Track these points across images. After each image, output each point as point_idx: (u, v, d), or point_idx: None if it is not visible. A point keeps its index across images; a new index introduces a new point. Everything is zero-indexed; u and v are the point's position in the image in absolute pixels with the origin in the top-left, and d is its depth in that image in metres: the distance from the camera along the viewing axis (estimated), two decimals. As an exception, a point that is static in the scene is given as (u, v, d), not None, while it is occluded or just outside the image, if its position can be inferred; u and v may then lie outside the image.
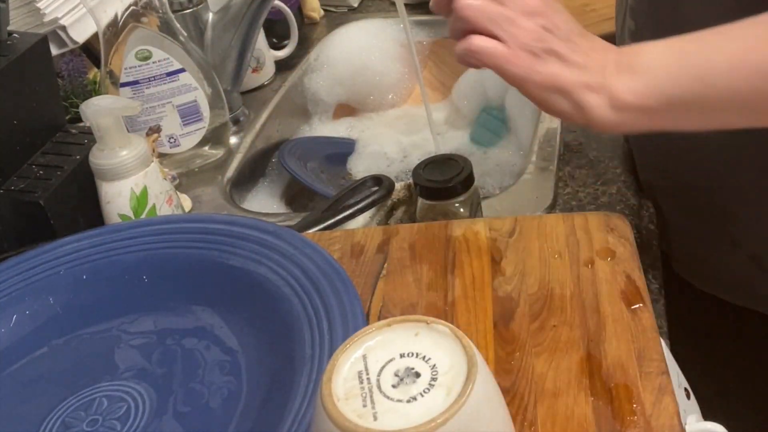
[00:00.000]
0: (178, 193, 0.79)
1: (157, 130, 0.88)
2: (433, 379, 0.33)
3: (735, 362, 0.88)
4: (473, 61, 0.55)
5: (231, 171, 0.95)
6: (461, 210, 0.69)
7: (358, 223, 0.70)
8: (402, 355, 0.34)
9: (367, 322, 0.48)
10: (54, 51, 0.97)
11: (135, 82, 0.87)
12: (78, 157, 0.72)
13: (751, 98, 0.52)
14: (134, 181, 0.69)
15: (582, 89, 0.54)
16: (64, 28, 0.99)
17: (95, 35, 0.98)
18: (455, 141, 1.04)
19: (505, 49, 0.54)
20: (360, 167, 1.05)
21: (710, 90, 0.53)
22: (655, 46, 0.54)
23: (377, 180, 0.73)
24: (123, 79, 0.87)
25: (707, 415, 0.52)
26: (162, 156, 0.91)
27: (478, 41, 0.54)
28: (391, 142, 1.08)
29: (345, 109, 1.17)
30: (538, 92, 0.55)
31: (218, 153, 0.96)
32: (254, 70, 1.11)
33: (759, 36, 0.52)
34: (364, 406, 0.32)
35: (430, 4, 0.58)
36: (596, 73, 0.54)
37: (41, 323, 0.56)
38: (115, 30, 0.86)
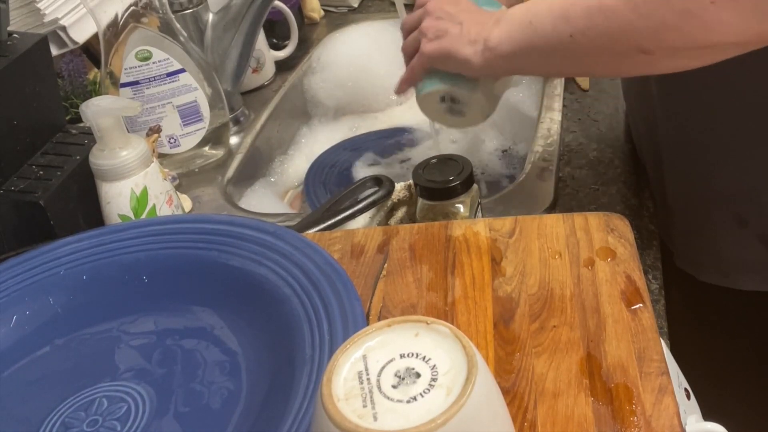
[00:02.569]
0: (178, 193, 0.79)
1: (157, 130, 0.88)
2: (433, 379, 0.33)
3: (735, 362, 0.88)
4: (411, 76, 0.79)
5: (231, 171, 0.95)
6: (461, 210, 0.69)
7: (358, 223, 0.70)
8: (402, 356, 0.34)
9: (367, 322, 0.48)
10: (54, 51, 0.97)
11: (135, 83, 0.87)
12: (78, 157, 0.72)
13: (560, 40, 0.65)
14: (134, 182, 0.69)
15: (460, 46, 0.73)
16: (64, 29, 0.99)
17: (95, 35, 0.98)
18: (454, 141, 1.04)
19: (416, 58, 0.77)
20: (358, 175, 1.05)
21: (536, 35, 0.67)
22: (520, 5, 0.71)
23: (377, 180, 0.73)
24: (123, 79, 0.87)
25: (707, 415, 0.52)
26: (162, 156, 0.91)
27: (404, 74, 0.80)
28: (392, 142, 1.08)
29: (345, 111, 1.16)
30: (438, 64, 0.75)
31: (218, 153, 0.96)
32: (254, 71, 1.11)
33: None
34: (364, 406, 0.32)
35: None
36: (475, 30, 0.72)
37: (41, 323, 0.56)
38: (115, 30, 0.86)
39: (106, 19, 0.85)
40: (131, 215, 0.69)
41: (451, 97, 0.79)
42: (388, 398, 0.32)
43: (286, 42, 1.16)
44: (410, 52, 0.80)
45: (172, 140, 0.91)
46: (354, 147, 1.07)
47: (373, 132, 1.10)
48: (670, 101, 0.77)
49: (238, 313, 0.53)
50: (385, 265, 0.56)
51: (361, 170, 1.02)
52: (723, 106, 0.73)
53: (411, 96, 1.15)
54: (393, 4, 1.25)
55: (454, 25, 0.74)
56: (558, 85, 0.99)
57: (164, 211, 0.71)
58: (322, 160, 1.05)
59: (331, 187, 1.00)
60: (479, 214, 0.71)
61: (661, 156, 0.81)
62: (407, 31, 0.81)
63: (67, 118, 0.88)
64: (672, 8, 0.57)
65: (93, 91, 1.02)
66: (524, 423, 0.43)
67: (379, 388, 0.33)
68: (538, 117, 0.94)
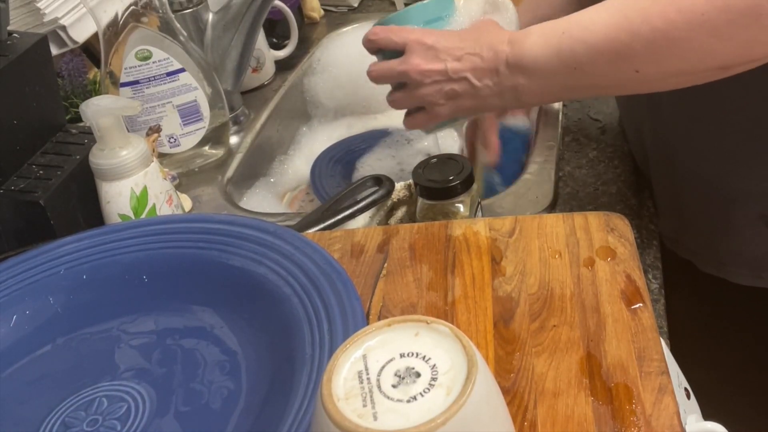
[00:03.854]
0: (178, 193, 0.79)
1: (157, 130, 0.88)
2: (433, 379, 0.33)
3: (736, 362, 0.88)
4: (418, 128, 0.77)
5: (231, 171, 0.95)
6: (461, 210, 0.69)
7: (358, 223, 0.70)
8: (402, 355, 0.34)
9: (367, 322, 0.48)
10: (54, 51, 0.97)
11: (135, 82, 0.87)
12: (78, 157, 0.72)
13: (623, 78, 0.63)
14: (134, 181, 0.69)
15: (486, 103, 0.70)
16: (64, 28, 0.99)
17: (95, 35, 0.98)
18: (457, 141, 1.04)
19: (425, 115, 0.73)
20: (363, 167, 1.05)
21: (587, 78, 0.64)
22: (534, 42, 0.66)
23: (377, 180, 0.73)
24: (123, 79, 0.87)
25: (707, 415, 0.52)
26: (162, 156, 0.91)
27: (407, 121, 0.76)
28: (392, 142, 1.08)
29: (345, 111, 1.16)
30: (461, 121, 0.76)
31: (218, 153, 0.96)
32: (254, 70, 1.11)
33: (609, 21, 0.62)
34: (364, 406, 0.32)
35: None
36: (491, 80, 0.68)
37: (41, 323, 0.56)
38: (115, 30, 0.86)
39: (106, 18, 0.85)
40: (131, 215, 0.69)
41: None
42: (388, 398, 0.32)
43: (286, 42, 1.16)
44: (404, 105, 0.75)
45: (172, 140, 0.91)
46: (358, 143, 1.07)
47: (376, 130, 1.10)
48: (683, 105, 0.76)
49: (238, 313, 0.53)
50: (385, 264, 0.56)
51: (366, 165, 1.03)
52: (740, 104, 0.71)
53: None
54: (393, 3, 1.25)
55: (460, 82, 0.69)
56: (558, 85, 0.99)
57: (164, 210, 0.71)
58: (327, 153, 1.05)
59: (338, 179, 1.00)
60: (479, 213, 0.71)
61: (673, 160, 0.80)
62: (384, 79, 0.75)
63: (67, 117, 0.88)
64: (762, 26, 0.56)
65: (93, 90, 1.02)
66: (524, 422, 0.43)
67: (379, 387, 0.33)
68: (538, 116, 0.94)
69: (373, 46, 0.75)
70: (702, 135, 0.76)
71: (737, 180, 0.75)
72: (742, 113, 0.72)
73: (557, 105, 0.95)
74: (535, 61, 0.66)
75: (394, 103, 0.75)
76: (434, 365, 0.33)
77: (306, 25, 1.27)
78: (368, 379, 0.33)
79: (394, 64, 0.72)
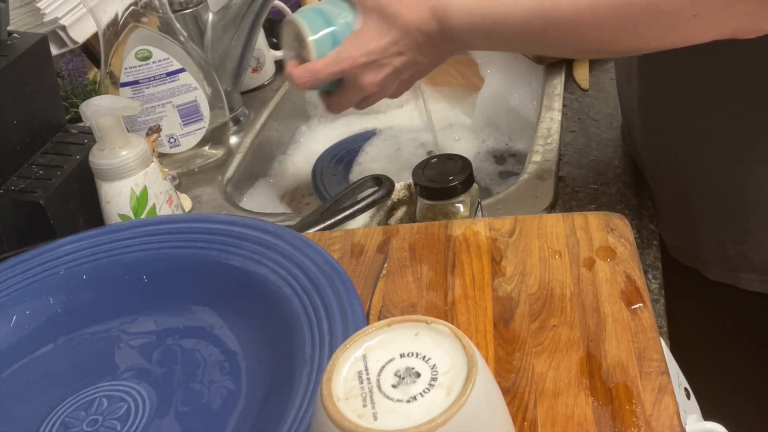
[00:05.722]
0: (178, 193, 0.79)
1: (157, 130, 0.88)
2: (433, 379, 0.33)
3: (736, 362, 0.87)
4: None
5: (231, 171, 0.95)
6: (461, 210, 0.69)
7: (358, 223, 0.70)
8: (402, 355, 0.34)
9: (367, 322, 0.48)
10: (54, 51, 0.97)
11: (135, 82, 0.87)
12: (78, 157, 0.72)
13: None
14: (134, 181, 0.69)
15: (425, 70, 0.75)
16: (64, 28, 0.99)
17: (95, 35, 0.98)
18: (457, 141, 1.04)
19: (372, 98, 0.77)
20: (361, 167, 1.05)
21: (501, 31, 0.67)
22: (459, 21, 0.69)
23: (377, 180, 0.73)
24: (123, 79, 0.87)
25: (707, 415, 0.52)
26: (162, 156, 0.91)
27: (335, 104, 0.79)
28: (393, 141, 1.08)
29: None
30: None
31: (218, 153, 0.96)
32: (254, 70, 1.11)
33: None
34: (364, 406, 0.32)
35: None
36: (431, 52, 0.72)
37: (41, 323, 0.56)
38: (115, 30, 0.86)
39: (106, 18, 0.85)
40: (131, 215, 0.69)
41: (303, 44, 0.76)
42: (388, 398, 0.32)
43: (286, 42, 1.16)
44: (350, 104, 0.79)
45: (172, 140, 0.91)
46: (359, 143, 1.08)
47: (377, 130, 1.11)
48: (697, 116, 0.75)
49: (238, 313, 0.53)
50: (385, 264, 0.56)
51: (366, 165, 1.03)
52: (748, 111, 0.70)
53: (412, 97, 1.16)
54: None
55: (406, 66, 0.74)
56: (558, 85, 0.99)
57: (164, 210, 0.71)
58: (329, 152, 1.06)
59: (339, 178, 1.00)
60: (479, 213, 0.71)
61: (678, 169, 0.78)
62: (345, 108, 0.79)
63: (67, 117, 0.88)
64: (656, 22, 0.60)
65: (93, 90, 1.02)
66: (524, 423, 0.43)
67: (379, 387, 0.33)
68: (538, 117, 0.94)
69: (314, 84, 0.76)
70: (715, 141, 0.74)
71: (752, 185, 0.74)
72: (749, 121, 0.71)
73: (558, 104, 0.95)
74: (466, 35, 0.70)
75: (339, 106, 0.78)
76: (434, 365, 0.33)
77: (306, 25, 1.27)
78: (368, 379, 0.33)
79: (350, 97, 0.76)
